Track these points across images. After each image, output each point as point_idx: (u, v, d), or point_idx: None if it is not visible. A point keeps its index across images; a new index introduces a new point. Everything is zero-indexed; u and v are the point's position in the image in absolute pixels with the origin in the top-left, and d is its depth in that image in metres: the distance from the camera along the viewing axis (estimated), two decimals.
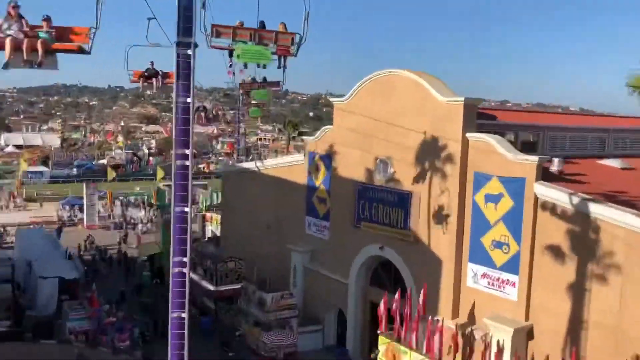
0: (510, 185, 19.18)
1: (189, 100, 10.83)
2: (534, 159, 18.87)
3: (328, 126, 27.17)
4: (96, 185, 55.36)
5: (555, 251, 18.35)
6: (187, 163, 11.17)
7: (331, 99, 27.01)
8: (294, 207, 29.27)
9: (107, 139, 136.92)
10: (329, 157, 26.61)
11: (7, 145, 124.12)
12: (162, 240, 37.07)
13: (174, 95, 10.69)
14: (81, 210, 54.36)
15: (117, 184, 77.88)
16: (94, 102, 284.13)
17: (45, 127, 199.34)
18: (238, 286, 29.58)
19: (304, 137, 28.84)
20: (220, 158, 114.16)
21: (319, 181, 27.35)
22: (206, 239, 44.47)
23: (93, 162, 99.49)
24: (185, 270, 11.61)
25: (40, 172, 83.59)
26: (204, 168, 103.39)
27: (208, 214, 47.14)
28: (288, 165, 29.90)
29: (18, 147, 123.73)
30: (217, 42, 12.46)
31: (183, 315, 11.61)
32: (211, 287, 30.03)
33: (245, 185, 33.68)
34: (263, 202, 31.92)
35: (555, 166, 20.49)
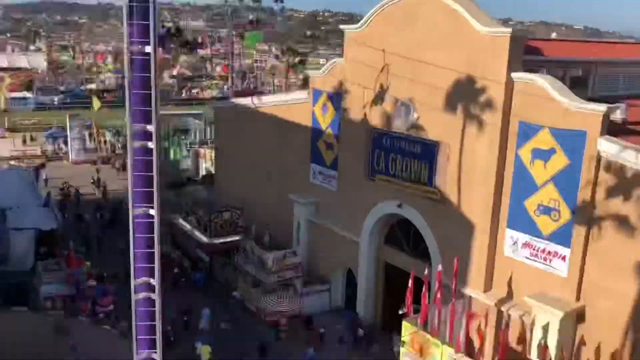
0: (565, 139, 15.58)
1: (148, 49, 7.07)
2: (599, 108, 15.14)
3: (337, 59, 23.13)
4: (80, 116, 51.13)
5: (619, 221, 15.04)
6: (151, 145, 7.54)
7: (342, 27, 22.69)
8: (297, 152, 25.73)
9: (97, 61, 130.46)
10: (338, 96, 22.76)
11: None
12: None
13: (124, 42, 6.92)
14: (66, 143, 50.55)
15: (109, 112, 73.70)
16: (83, 20, 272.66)
17: (32, 47, 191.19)
18: (235, 239, 26.58)
19: (308, 72, 24.76)
20: (214, 82, 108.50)
21: (326, 124, 23.62)
22: (200, 177, 41.29)
23: (82, 88, 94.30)
24: (155, 296, 8.22)
25: (24, 98, 78.82)
26: (197, 93, 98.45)
27: (202, 150, 43.57)
28: (290, 103, 26.03)
29: (2, 69, 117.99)
30: None
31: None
32: (205, 239, 27.00)
33: (241, 124, 29.92)
34: (261, 144, 28.31)
35: (618, 114, 16.76)
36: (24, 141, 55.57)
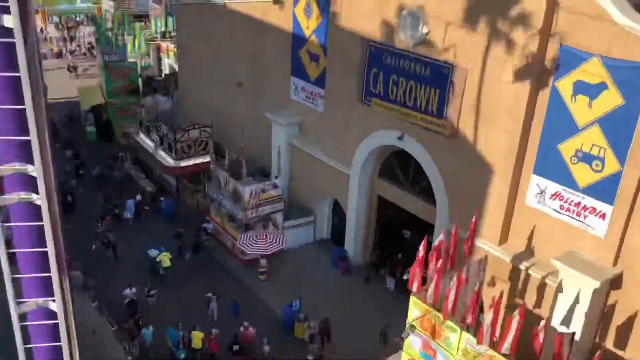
0: (622, 72, 12.25)
1: None
2: None
3: None
4: None
5: None
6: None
7: None
8: (275, 61, 21.83)
9: None
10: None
11: None
12: (105, 86, 29.46)
13: None
14: None
15: None
16: None
17: None
18: (205, 160, 23.27)
19: None
20: None
21: (310, 30, 19.58)
22: (162, 76, 36.84)
23: None
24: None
25: None
26: None
27: (163, 44, 38.62)
28: (266, 1, 21.61)
29: None
30: None
31: None
32: (171, 161, 23.63)
33: (207, 23, 25.38)
34: (232, 49, 24.14)
35: None
36: None
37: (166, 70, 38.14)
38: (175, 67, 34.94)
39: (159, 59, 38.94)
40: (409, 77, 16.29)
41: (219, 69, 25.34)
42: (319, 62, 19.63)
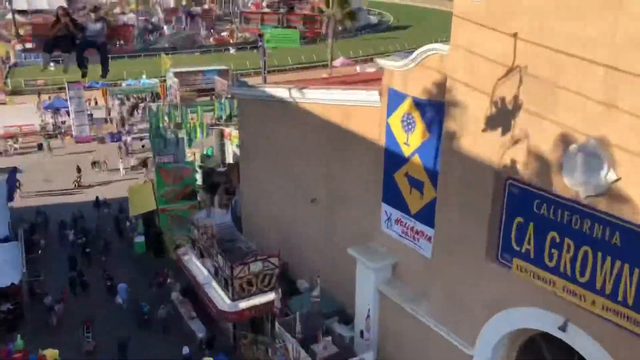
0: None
1: None
2: None
3: (435, 45, 13.42)
4: (84, 83, 42.46)
5: None
6: None
7: None
8: (359, 179, 16.67)
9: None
10: (435, 107, 13.28)
11: (7, 11, 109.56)
12: (157, 190, 25.30)
13: None
14: (70, 114, 42.30)
15: (124, 64, 64.99)
16: None
17: None
18: (268, 299, 18.13)
19: (378, 60, 14.88)
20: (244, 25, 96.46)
21: (411, 148, 14.28)
22: (225, 167, 32.61)
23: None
24: None
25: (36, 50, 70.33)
26: (228, 36, 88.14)
27: (227, 129, 34.66)
28: (349, 104, 16.62)
29: (21, 12, 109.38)
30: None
31: None
32: (226, 303, 18.55)
33: (273, 120, 20.73)
34: (303, 155, 19.27)
35: None
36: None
37: (230, 158, 34.01)
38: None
39: (222, 145, 34.93)
40: (581, 241, 10.51)
41: (287, 176, 20.48)
42: (423, 192, 14.19)
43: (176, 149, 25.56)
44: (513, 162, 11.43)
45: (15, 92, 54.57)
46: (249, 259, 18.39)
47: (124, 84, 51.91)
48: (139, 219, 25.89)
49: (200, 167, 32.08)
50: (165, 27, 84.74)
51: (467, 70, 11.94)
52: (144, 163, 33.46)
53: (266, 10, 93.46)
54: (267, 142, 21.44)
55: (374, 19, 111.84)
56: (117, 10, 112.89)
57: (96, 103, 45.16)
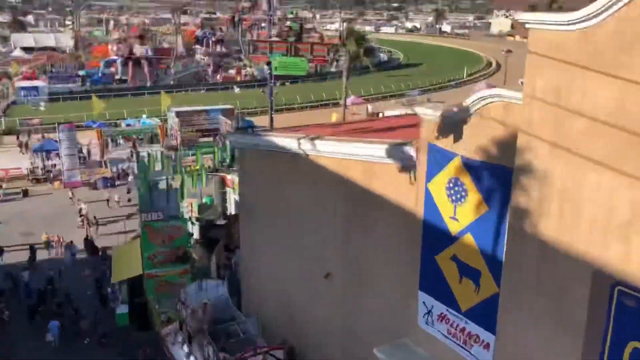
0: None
1: None
2: None
3: (497, 90, 9.96)
4: (75, 125, 39.31)
5: None
6: None
7: (520, 17, 9.17)
8: (386, 257, 13.11)
9: (128, 36, 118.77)
10: (498, 174, 9.77)
11: (14, 49, 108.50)
12: (143, 248, 21.76)
13: None
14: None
15: (125, 102, 62.44)
16: None
17: (69, 21, 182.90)
18: None
19: (416, 108, 11.34)
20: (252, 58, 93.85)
21: (461, 224, 10.72)
22: (226, 220, 29.13)
23: (106, 71, 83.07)
24: None
25: (35, 88, 68.12)
26: (235, 73, 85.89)
27: (229, 177, 31.31)
28: (373, 159, 13.16)
29: (28, 49, 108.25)
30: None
31: None
32: None
33: (280, 174, 17.31)
34: (315, 220, 15.76)
35: None
36: (22, 149, 44.64)
37: (232, 208, 30.54)
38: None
39: (224, 194, 31.50)
40: None
41: (295, 243, 16.93)
42: (479, 284, 10.57)
43: (167, 204, 22.07)
44: (626, 260, 7.85)
45: (9, 132, 51.83)
46: (246, 354, 14.67)
47: (123, 124, 49.04)
48: (124, 285, 22.30)
49: (198, 219, 28.62)
50: (171, 64, 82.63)
51: (552, 125, 8.47)
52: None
53: (275, 39, 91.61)
54: (271, 200, 17.97)
55: (383, 57, 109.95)
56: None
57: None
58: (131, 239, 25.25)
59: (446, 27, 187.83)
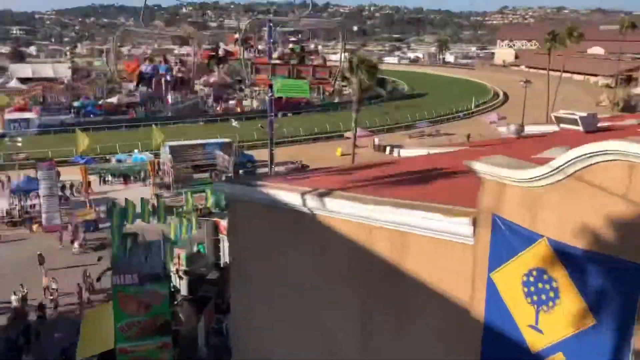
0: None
1: None
2: None
3: (608, 143, 6.51)
4: (53, 163, 35.93)
5: None
6: None
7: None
8: (426, 356, 9.53)
9: (125, 67, 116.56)
10: (615, 269, 6.27)
11: (10, 79, 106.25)
12: (115, 317, 18.10)
13: None
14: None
15: (119, 136, 59.46)
16: (129, 23, 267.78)
17: (69, 53, 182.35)
18: None
19: (474, 164, 8.28)
20: (255, 89, 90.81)
21: (549, 338, 7.15)
22: (218, 273, 25.58)
23: (100, 102, 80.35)
24: None
25: (26, 120, 65.19)
26: (235, 105, 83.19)
27: (222, 222, 27.87)
28: (404, 229, 9.68)
29: (25, 80, 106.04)
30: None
31: None
32: None
33: (280, 237, 13.81)
34: (328, 295, 12.23)
35: None
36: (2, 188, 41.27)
37: (226, 256, 26.98)
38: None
39: (216, 242, 27.98)
40: None
41: (300, 318, 13.34)
42: None
43: (146, 262, 18.49)
44: None
45: None
46: None
47: (113, 159, 45.81)
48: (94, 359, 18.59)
49: (186, 272, 25.07)
50: (169, 95, 79.77)
51: None
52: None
53: (277, 61, 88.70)
54: (268, 262, 14.40)
55: (388, 87, 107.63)
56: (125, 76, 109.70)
57: (72, 187, 38.48)
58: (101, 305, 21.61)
59: (449, 58, 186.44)
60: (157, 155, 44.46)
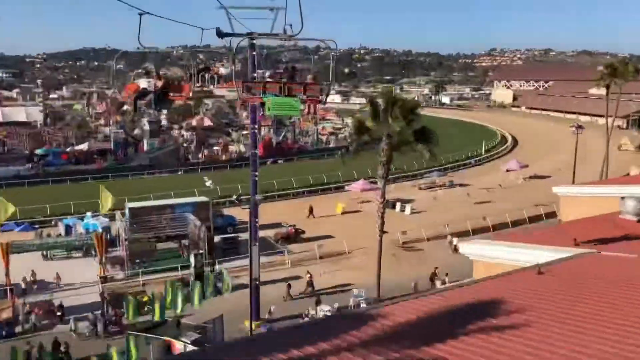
0: None
1: None
2: None
3: None
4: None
5: None
6: None
7: None
8: None
9: (99, 110, 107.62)
10: None
11: None
12: None
13: None
14: None
15: (80, 189, 50.29)
16: (120, 66, 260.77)
17: (54, 95, 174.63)
18: None
19: None
20: (244, 132, 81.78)
21: None
22: None
23: (69, 149, 71.04)
24: None
25: None
26: (220, 151, 74.28)
27: (177, 343, 18.54)
28: None
29: None
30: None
31: None
32: None
33: None
34: None
35: None
36: None
37: None
38: None
39: None
40: None
41: None
42: None
43: None
44: None
45: None
46: None
47: (60, 225, 36.46)
48: None
49: None
50: (144, 141, 70.90)
51: None
52: None
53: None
54: None
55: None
56: (102, 121, 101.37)
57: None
58: None
59: (445, 99, 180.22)
60: (114, 219, 35.34)
